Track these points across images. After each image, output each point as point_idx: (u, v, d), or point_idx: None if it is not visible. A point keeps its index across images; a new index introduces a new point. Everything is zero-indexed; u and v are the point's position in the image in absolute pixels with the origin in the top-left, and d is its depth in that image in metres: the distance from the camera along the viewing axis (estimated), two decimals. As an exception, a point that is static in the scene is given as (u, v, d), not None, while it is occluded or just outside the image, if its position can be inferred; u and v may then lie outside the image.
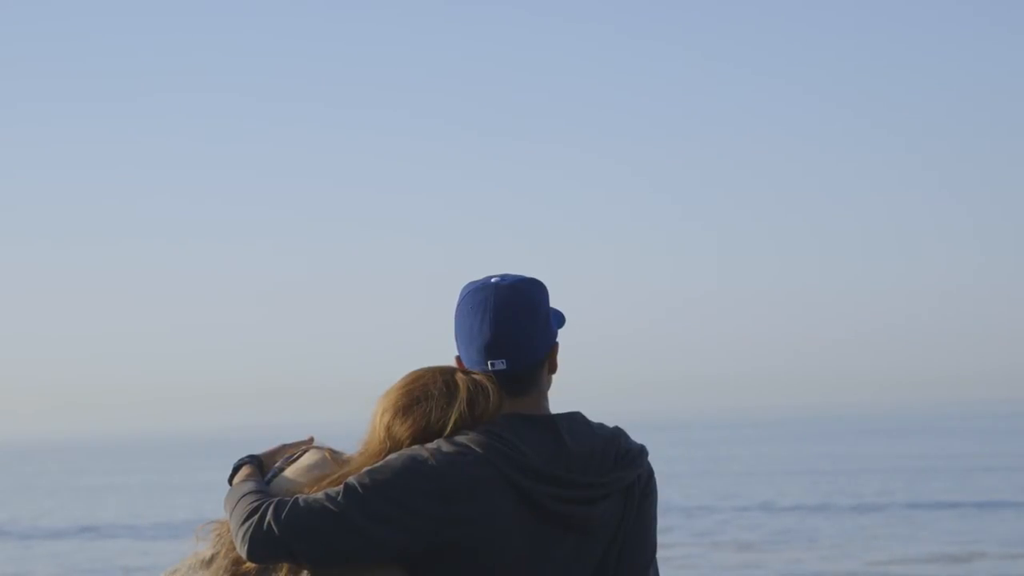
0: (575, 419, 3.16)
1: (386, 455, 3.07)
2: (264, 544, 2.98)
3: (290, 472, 3.17)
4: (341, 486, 3.01)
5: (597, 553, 3.10)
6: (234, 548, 3.07)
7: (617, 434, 3.17)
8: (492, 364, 3.11)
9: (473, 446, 3.03)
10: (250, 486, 3.10)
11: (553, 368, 3.19)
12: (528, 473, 3.03)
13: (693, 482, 46.21)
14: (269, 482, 3.17)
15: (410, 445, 3.07)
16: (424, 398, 3.10)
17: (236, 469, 3.22)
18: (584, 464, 3.09)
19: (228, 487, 3.18)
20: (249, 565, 3.06)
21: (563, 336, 3.23)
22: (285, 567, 3.03)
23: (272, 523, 2.98)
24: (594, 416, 3.22)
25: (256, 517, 3.00)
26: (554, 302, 3.22)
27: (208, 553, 3.14)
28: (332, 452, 3.20)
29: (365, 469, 3.03)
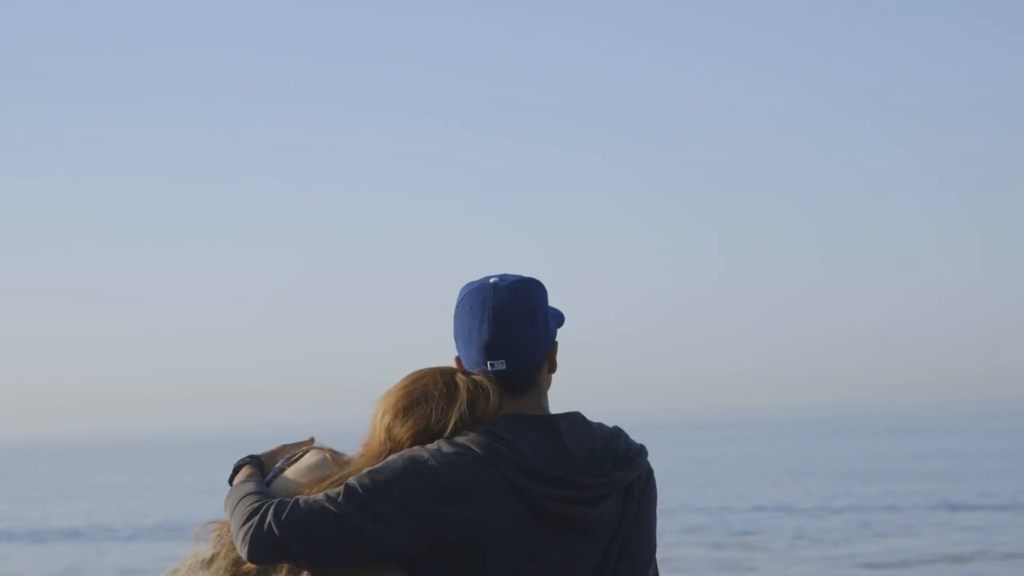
0: (575, 419, 3.16)
1: (386, 456, 3.08)
2: (264, 545, 2.99)
3: (291, 473, 3.18)
4: (341, 487, 3.01)
5: (597, 553, 3.10)
6: (234, 548, 3.08)
7: (616, 434, 3.18)
8: (491, 365, 3.11)
9: (473, 447, 3.03)
10: (250, 487, 3.11)
11: (553, 368, 3.20)
12: (528, 474, 3.03)
13: (692, 482, 46.21)
14: (269, 483, 3.17)
15: (410, 446, 3.08)
16: (424, 399, 3.10)
17: (236, 469, 3.23)
18: (584, 464, 3.09)
19: (228, 487, 3.19)
20: (249, 566, 3.06)
21: (562, 336, 3.23)
22: (285, 568, 3.03)
23: (272, 524, 2.98)
24: (594, 416, 3.23)
25: (257, 518, 3.00)
26: (553, 302, 3.22)
27: (208, 553, 3.15)
28: (333, 453, 3.20)
29: (365, 470, 3.03)
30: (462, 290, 3.19)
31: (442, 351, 3.24)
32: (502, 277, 3.18)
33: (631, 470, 3.13)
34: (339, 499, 2.99)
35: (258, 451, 3.30)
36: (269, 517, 2.99)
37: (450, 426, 3.07)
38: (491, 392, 3.10)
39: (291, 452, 3.26)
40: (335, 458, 3.16)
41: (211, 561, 3.13)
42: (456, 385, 3.11)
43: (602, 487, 3.08)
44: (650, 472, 3.19)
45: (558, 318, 3.22)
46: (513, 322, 3.11)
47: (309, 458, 3.19)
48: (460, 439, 3.05)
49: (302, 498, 3.02)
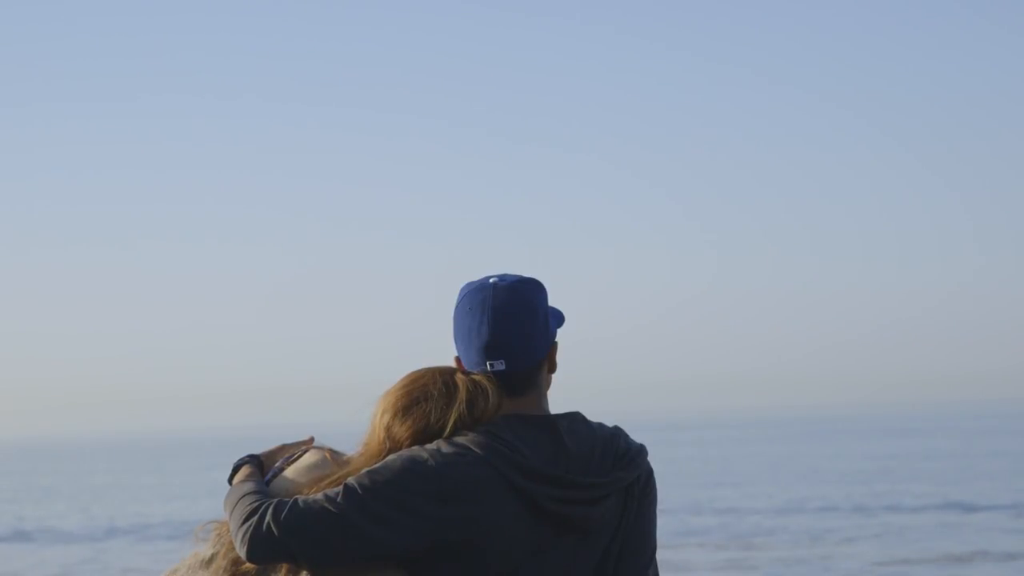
0: (575, 419, 3.16)
1: (386, 456, 3.07)
2: (263, 544, 2.99)
3: (290, 472, 3.18)
4: (340, 487, 3.01)
5: (597, 553, 3.10)
6: (234, 548, 3.08)
7: (616, 434, 3.17)
8: (491, 364, 3.10)
9: (472, 447, 3.03)
10: (250, 486, 3.11)
11: (552, 368, 3.19)
12: (527, 474, 3.03)
13: (692, 482, 46.21)
14: (269, 482, 3.17)
15: (410, 446, 3.07)
16: (424, 399, 3.10)
17: (236, 469, 3.23)
18: (584, 464, 3.09)
19: (228, 487, 3.18)
20: (248, 565, 3.06)
21: (562, 336, 3.23)
22: (284, 567, 3.03)
23: (271, 524, 2.98)
24: (594, 416, 3.22)
25: (256, 518, 3.00)
26: (553, 302, 3.22)
27: (208, 553, 3.15)
28: (332, 452, 3.20)
29: (365, 470, 3.03)
30: (462, 290, 3.18)
31: (442, 351, 3.24)
32: (502, 277, 3.17)
33: (631, 470, 3.12)
34: (338, 499, 2.99)
35: (258, 451, 3.30)
36: (268, 517, 2.99)
37: (449, 426, 3.07)
38: (490, 392, 3.10)
39: (291, 452, 3.26)
40: (334, 458, 3.16)
41: (210, 561, 3.13)
42: (455, 385, 3.10)
43: (602, 487, 3.08)
44: (650, 472, 3.19)
45: (558, 318, 3.22)
46: (513, 322, 3.11)
47: (308, 458, 3.19)
48: (459, 439, 3.05)
49: (301, 498, 3.02)
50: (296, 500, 3.01)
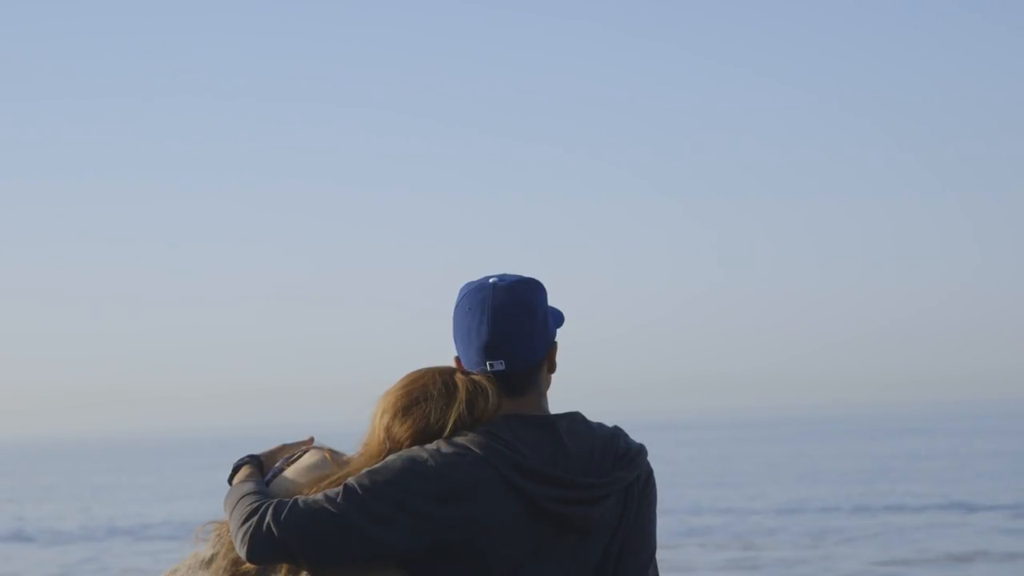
0: (574, 419, 3.16)
1: (385, 456, 3.08)
2: (263, 545, 2.99)
3: (290, 472, 3.18)
4: (340, 487, 3.01)
5: (596, 553, 3.10)
6: (234, 548, 3.08)
7: (616, 434, 3.17)
8: (491, 364, 3.10)
9: (472, 447, 3.03)
10: (250, 487, 3.11)
11: (552, 368, 3.19)
12: (527, 474, 3.03)
13: (692, 482, 46.20)
14: (269, 482, 3.17)
15: (409, 446, 3.08)
16: (423, 399, 3.10)
17: (236, 469, 3.23)
18: (583, 465, 3.09)
19: (228, 487, 3.18)
20: (248, 565, 3.06)
21: (562, 336, 3.23)
22: (284, 567, 3.03)
23: (272, 524, 2.98)
24: (594, 416, 3.22)
25: (256, 518, 3.00)
26: (553, 302, 3.22)
27: (208, 553, 3.15)
28: (332, 452, 3.20)
29: (364, 470, 3.03)
30: (461, 290, 3.18)
31: (442, 351, 3.24)
32: (501, 277, 3.17)
33: (631, 470, 3.12)
34: (338, 499, 2.99)
35: (258, 451, 3.30)
36: (268, 517, 2.99)
37: (449, 426, 3.07)
38: (490, 392, 3.10)
39: (291, 452, 3.26)
40: (334, 458, 3.16)
41: (210, 561, 3.13)
42: (455, 385, 3.10)
43: (602, 487, 3.08)
44: (650, 472, 3.19)
45: (557, 318, 3.22)
46: (512, 322, 3.11)
47: (308, 458, 3.19)
48: (459, 439, 3.05)
49: (301, 498, 3.02)
50: (296, 500, 3.01)
